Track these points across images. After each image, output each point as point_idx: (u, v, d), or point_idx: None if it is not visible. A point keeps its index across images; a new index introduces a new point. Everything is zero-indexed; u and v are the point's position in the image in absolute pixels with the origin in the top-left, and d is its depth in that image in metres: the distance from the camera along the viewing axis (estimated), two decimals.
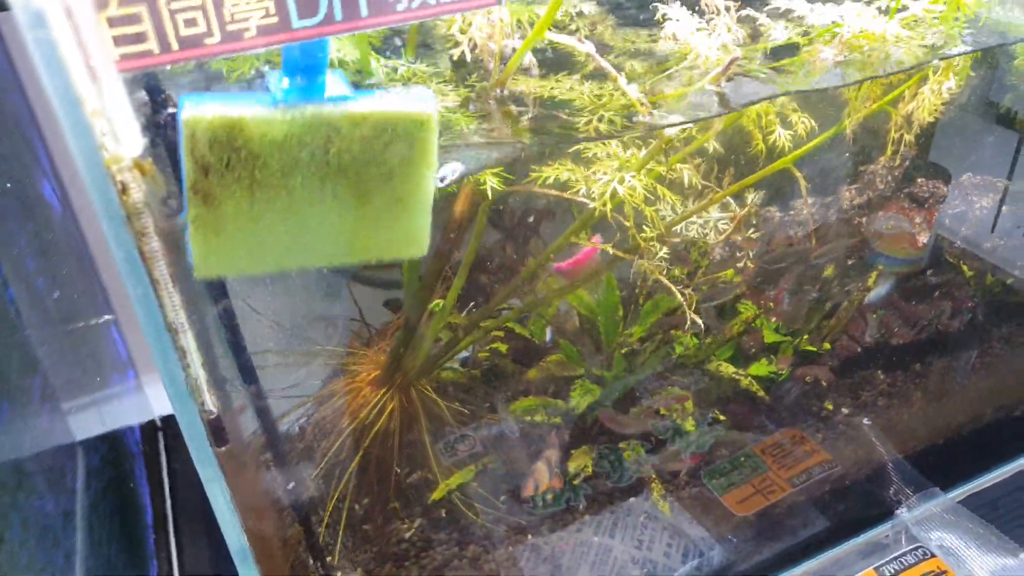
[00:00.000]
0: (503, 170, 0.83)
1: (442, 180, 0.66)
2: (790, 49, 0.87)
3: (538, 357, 1.27)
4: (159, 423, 1.42)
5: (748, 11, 0.88)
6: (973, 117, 1.49)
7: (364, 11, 0.46)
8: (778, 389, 1.35)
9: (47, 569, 0.86)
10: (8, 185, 1.04)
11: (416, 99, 0.50)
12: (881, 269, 1.45)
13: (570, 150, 0.88)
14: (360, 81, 0.74)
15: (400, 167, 0.51)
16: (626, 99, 0.76)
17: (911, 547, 1.15)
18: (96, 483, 1.13)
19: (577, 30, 0.90)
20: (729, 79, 0.79)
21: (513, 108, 0.77)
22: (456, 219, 1.00)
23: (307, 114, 0.47)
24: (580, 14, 0.93)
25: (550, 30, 0.73)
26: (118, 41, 0.40)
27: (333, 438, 1.12)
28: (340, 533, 1.12)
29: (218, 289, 0.68)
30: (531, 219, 1.23)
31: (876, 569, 1.13)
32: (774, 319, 1.37)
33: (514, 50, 0.77)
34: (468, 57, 0.76)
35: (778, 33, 0.88)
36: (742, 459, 1.27)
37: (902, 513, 1.21)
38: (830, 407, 1.36)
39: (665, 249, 1.03)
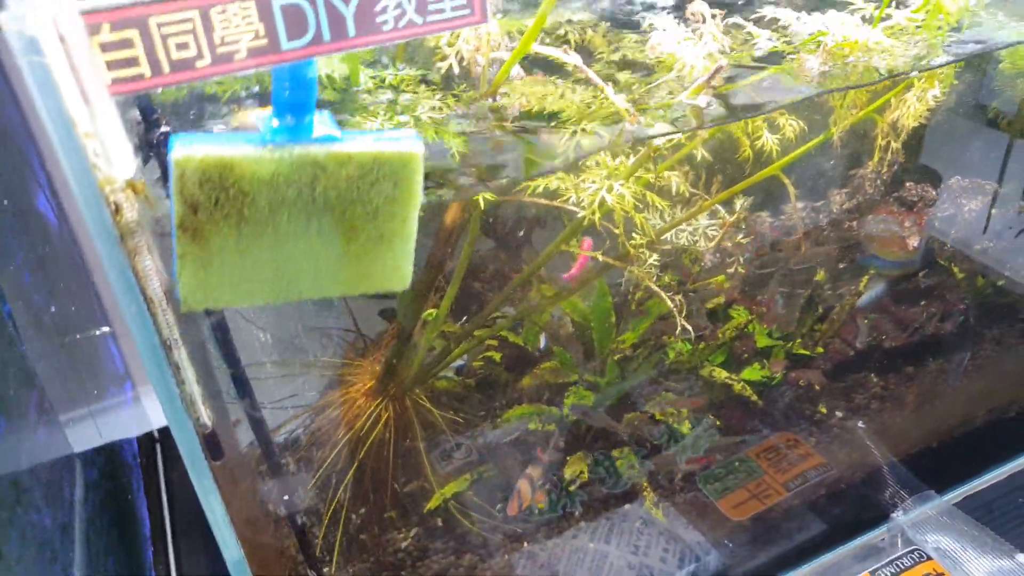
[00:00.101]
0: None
1: None
2: (775, 58, 0.88)
3: (532, 365, 1.27)
4: (156, 435, 1.43)
5: (736, 19, 0.89)
6: (964, 120, 1.50)
7: (352, 31, 0.47)
8: (771, 393, 1.35)
9: None
10: (5, 202, 1.05)
11: (402, 139, 0.51)
12: (873, 272, 1.46)
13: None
14: (347, 89, 0.75)
15: (385, 205, 0.52)
16: (614, 107, 0.77)
17: (907, 550, 1.15)
18: (94, 496, 1.13)
19: (566, 34, 0.91)
20: (714, 88, 0.80)
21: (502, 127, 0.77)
22: (448, 228, 1.01)
23: (295, 154, 0.49)
24: (570, 21, 0.93)
25: (538, 41, 0.74)
26: (111, 65, 0.41)
27: (329, 449, 1.13)
28: (337, 543, 1.12)
29: None
30: (522, 228, 1.23)
31: (872, 572, 1.13)
32: (765, 325, 1.38)
33: (503, 61, 0.78)
34: (456, 70, 0.77)
35: (763, 42, 0.89)
36: (737, 464, 1.27)
37: (898, 516, 1.21)
38: (824, 410, 1.36)
39: (655, 256, 1.04)
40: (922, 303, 1.51)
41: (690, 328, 1.06)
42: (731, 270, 1.26)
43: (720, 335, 1.32)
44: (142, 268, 0.51)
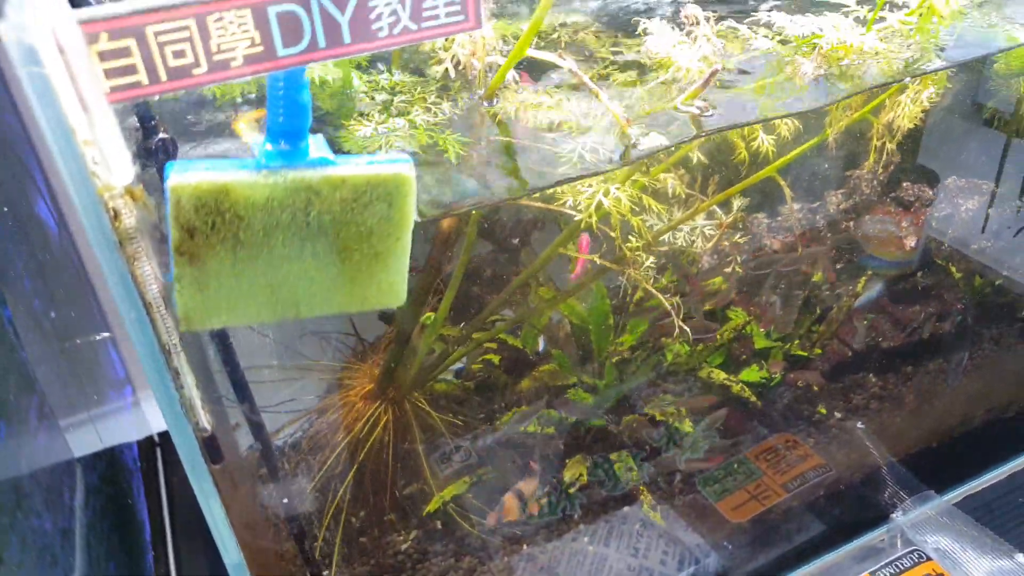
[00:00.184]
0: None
1: None
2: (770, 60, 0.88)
3: (530, 368, 1.27)
4: (157, 439, 1.43)
5: (730, 22, 0.89)
6: (960, 120, 1.50)
7: (347, 38, 0.47)
8: (770, 394, 1.35)
9: None
10: (5, 209, 1.05)
11: (394, 162, 0.52)
12: (870, 273, 1.46)
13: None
14: (341, 97, 0.75)
15: (379, 225, 0.53)
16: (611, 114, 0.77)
17: (907, 551, 1.15)
18: (94, 500, 1.14)
19: (559, 38, 0.91)
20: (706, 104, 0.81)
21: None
22: (446, 232, 1.01)
23: (289, 178, 0.49)
24: (563, 24, 0.94)
25: (532, 46, 0.74)
26: (109, 74, 0.41)
27: (328, 452, 1.13)
28: (336, 546, 1.13)
29: None
30: (520, 231, 1.24)
31: (872, 573, 1.13)
32: (763, 326, 1.38)
33: (498, 65, 0.79)
34: (452, 74, 0.78)
35: (759, 43, 0.89)
36: (736, 465, 1.27)
37: (897, 517, 1.21)
38: (823, 411, 1.37)
39: (652, 259, 1.04)
40: (920, 303, 1.51)
41: (688, 329, 1.06)
42: (728, 270, 1.26)
43: (718, 336, 1.33)
44: (141, 274, 0.51)
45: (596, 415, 1.26)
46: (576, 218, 0.91)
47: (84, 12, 0.40)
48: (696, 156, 0.97)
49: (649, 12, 0.94)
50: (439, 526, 1.18)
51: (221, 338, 0.71)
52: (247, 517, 0.73)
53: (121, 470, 1.32)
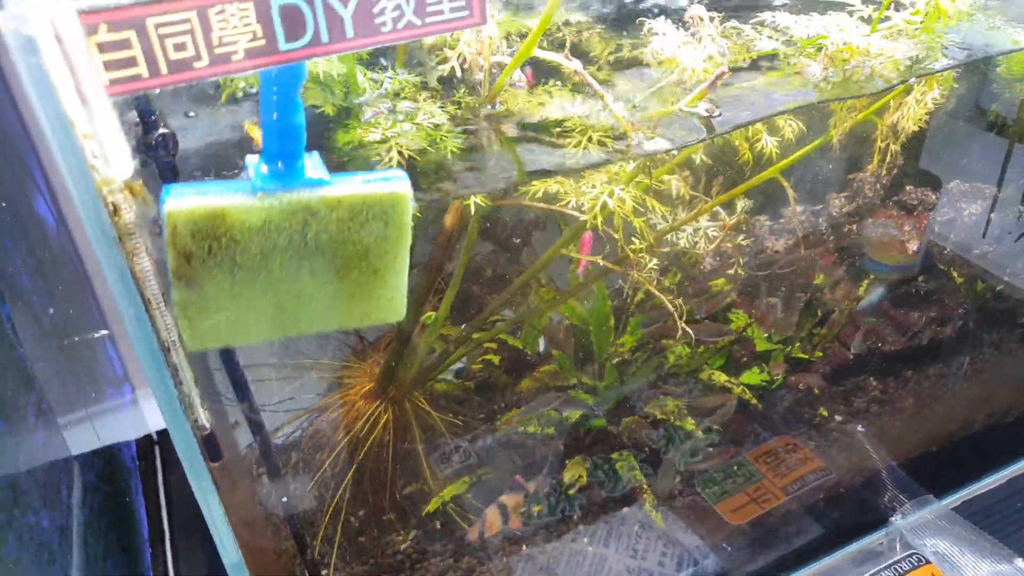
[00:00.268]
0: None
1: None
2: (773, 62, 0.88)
3: (531, 368, 1.27)
4: (155, 437, 1.43)
5: (733, 23, 0.89)
6: (963, 124, 1.50)
7: (350, 32, 0.47)
8: (771, 397, 1.35)
9: None
10: (4, 205, 1.05)
11: (390, 180, 0.52)
12: (872, 277, 1.46)
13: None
14: (347, 95, 0.75)
15: (376, 243, 0.53)
16: (614, 117, 0.77)
17: (906, 554, 1.15)
18: (92, 498, 1.13)
19: (564, 39, 0.91)
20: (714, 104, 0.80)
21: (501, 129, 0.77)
22: (448, 231, 1.01)
23: (284, 201, 0.49)
24: (567, 23, 0.93)
25: (538, 47, 0.74)
26: (108, 66, 0.41)
27: (328, 451, 1.12)
28: (335, 545, 1.12)
29: None
30: (521, 231, 1.23)
31: None
32: (764, 329, 1.38)
33: (503, 65, 0.78)
34: (459, 73, 0.77)
35: (764, 44, 0.89)
36: (735, 467, 1.27)
37: (896, 520, 1.21)
38: (824, 413, 1.36)
39: (655, 260, 1.04)
40: (921, 307, 1.51)
41: (690, 332, 1.06)
42: (731, 271, 1.26)
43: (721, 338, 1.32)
44: (140, 270, 0.51)
45: (596, 416, 1.26)
46: (577, 218, 0.90)
47: (84, 3, 0.39)
48: (699, 157, 0.96)
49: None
50: (438, 526, 1.17)
51: None
52: (246, 516, 0.73)
53: (119, 468, 1.32)
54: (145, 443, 1.42)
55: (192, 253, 0.48)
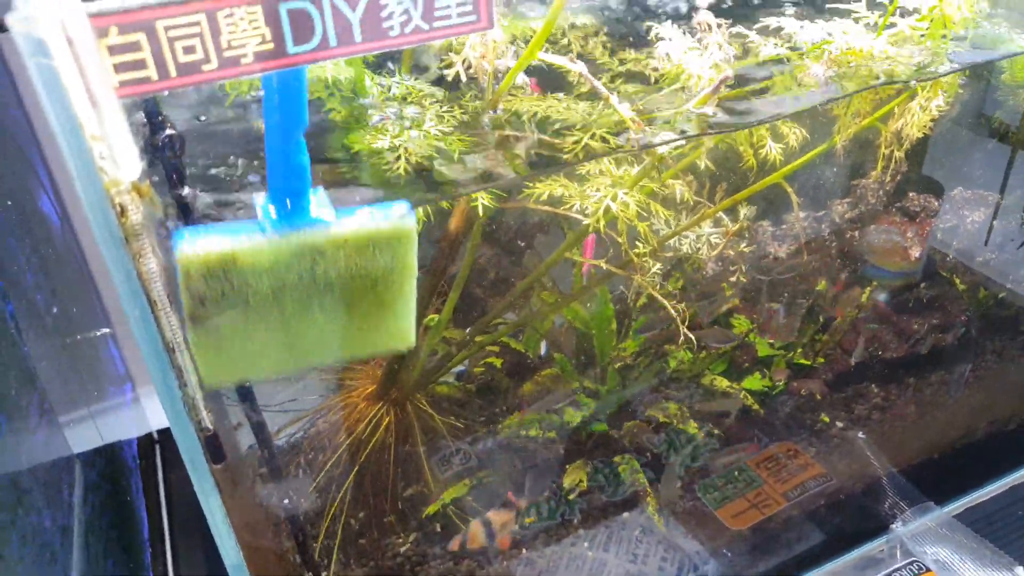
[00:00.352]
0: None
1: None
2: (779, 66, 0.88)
3: (533, 372, 1.27)
4: (156, 436, 1.43)
5: (739, 28, 0.89)
6: (967, 131, 1.50)
7: (358, 37, 0.47)
8: (772, 403, 1.35)
9: None
10: (8, 203, 1.05)
11: (394, 215, 0.53)
12: (875, 284, 1.46)
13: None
14: (354, 100, 0.75)
15: (383, 276, 0.54)
16: (618, 116, 0.77)
17: (906, 561, 1.15)
18: (93, 497, 1.13)
19: (569, 44, 0.91)
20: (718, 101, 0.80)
21: (507, 132, 0.78)
22: (451, 234, 1.01)
23: (293, 241, 0.50)
24: (573, 26, 0.93)
25: (543, 50, 0.74)
26: (118, 68, 0.41)
27: (329, 453, 1.12)
28: (336, 547, 1.12)
29: None
30: (525, 234, 1.23)
31: None
32: (767, 335, 1.38)
33: (508, 68, 0.78)
34: (463, 77, 0.77)
35: (768, 50, 0.89)
36: (736, 473, 1.27)
37: (897, 527, 1.21)
38: (826, 419, 1.36)
39: (658, 265, 1.04)
40: (924, 314, 1.51)
41: (693, 337, 1.06)
42: (733, 278, 1.26)
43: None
44: (146, 271, 0.51)
45: (598, 420, 1.26)
46: (580, 221, 0.90)
47: (94, 5, 0.39)
48: (704, 163, 0.96)
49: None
50: (439, 529, 1.17)
51: None
52: (247, 517, 0.73)
53: (120, 467, 1.32)
54: (146, 442, 1.42)
55: (205, 297, 0.50)
